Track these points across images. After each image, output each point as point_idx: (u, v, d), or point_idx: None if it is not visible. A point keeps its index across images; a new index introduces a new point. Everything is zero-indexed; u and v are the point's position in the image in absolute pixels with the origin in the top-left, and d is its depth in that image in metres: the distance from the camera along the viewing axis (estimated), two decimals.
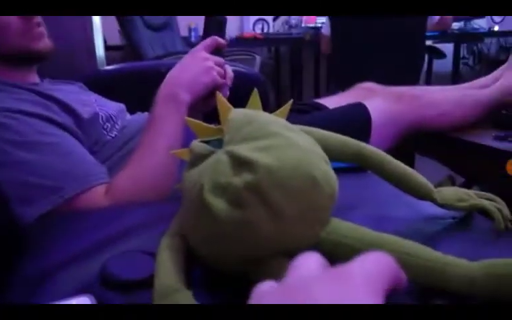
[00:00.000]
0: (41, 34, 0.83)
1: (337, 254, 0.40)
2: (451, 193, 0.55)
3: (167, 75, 0.79)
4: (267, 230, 0.39)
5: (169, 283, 0.40)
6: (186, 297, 0.39)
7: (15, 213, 0.67)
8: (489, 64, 3.50)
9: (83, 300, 0.43)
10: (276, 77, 3.60)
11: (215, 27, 0.86)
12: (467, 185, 1.53)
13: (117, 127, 0.87)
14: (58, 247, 0.56)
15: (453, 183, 1.65)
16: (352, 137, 0.56)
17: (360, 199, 0.63)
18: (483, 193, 0.57)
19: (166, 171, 0.73)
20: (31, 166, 0.68)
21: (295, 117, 1.02)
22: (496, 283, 0.38)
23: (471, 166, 1.15)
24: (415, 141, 1.19)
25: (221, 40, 0.83)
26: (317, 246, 0.42)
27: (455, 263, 0.40)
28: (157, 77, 1.18)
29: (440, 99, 1.14)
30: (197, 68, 0.79)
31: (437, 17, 2.57)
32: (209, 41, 0.82)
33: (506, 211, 0.54)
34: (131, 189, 0.71)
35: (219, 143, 0.46)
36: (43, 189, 0.68)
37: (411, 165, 1.41)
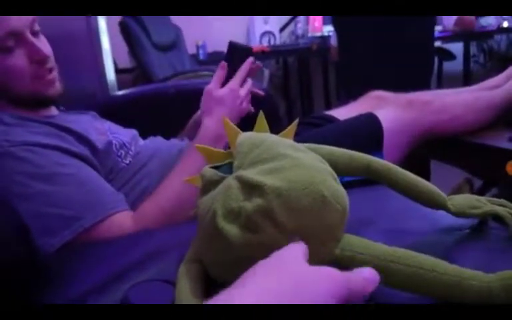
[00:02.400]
0: (53, 80, 0.84)
1: (351, 269, 0.40)
2: (463, 200, 0.55)
3: (216, 110, 0.84)
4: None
5: None
6: None
7: (35, 244, 0.68)
8: (500, 60, 3.45)
9: None
10: (285, 89, 3.60)
11: (239, 55, 0.89)
12: (484, 188, 1.51)
13: (130, 153, 0.88)
14: (76, 279, 0.57)
15: (471, 186, 1.63)
16: (364, 148, 0.56)
17: (374, 214, 0.63)
18: (496, 199, 0.57)
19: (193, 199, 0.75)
20: (49, 197, 0.70)
21: (305, 130, 1.03)
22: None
23: (487, 169, 1.13)
24: (429, 147, 1.18)
25: (252, 68, 0.89)
26: (332, 263, 0.43)
27: (471, 275, 0.40)
28: (165, 100, 1.20)
29: (452, 103, 1.12)
30: (236, 108, 0.86)
31: (455, 18, 2.54)
32: (241, 74, 0.87)
33: None
34: (158, 215, 0.73)
35: (229, 168, 0.48)
36: (62, 219, 0.69)
37: (427, 171, 1.41)
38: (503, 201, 0.56)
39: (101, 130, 0.87)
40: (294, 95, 3.64)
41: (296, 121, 0.54)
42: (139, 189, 0.80)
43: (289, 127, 0.53)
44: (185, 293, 0.43)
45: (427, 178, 0.54)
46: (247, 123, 0.52)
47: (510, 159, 1.00)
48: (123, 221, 0.72)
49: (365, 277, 0.36)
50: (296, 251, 0.37)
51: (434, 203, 0.53)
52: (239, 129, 0.50)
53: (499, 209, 0.54)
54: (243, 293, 0.31)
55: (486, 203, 0.55)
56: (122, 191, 0.80)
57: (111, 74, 1.49)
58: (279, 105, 3.38)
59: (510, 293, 0.38)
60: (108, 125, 0.93)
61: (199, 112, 0.99)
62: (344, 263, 0.43)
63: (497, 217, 0.54)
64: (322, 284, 0.32)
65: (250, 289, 0.31)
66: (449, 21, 2.55)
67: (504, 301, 0.38)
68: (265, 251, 0.40)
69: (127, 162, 0.86)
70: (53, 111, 0.89)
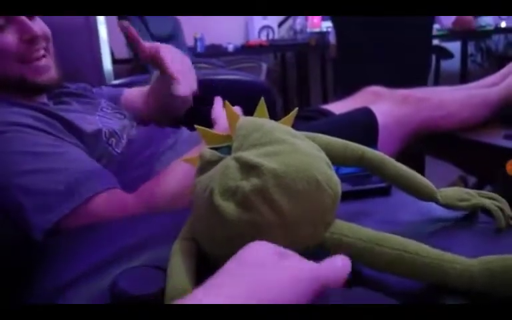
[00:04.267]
0: (46, 67, 0.82)
1: (340, 252, 0.41)
2: (452, 193, 0.57)
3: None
4: (273, 230, 0.42)
5: (179, 285, 0.43)
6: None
7: (30, 223, 0.68)
8: (498, 60, 3.46)
9: None
10: (283, 83, 3.60)
11: None
12: (478, 185, 1.51)
13: (122, 142, 0.88)
14: (69, 263, 0.57)
15: (465, 183, 1.64)
16: (359, 141, 0.57)
17: (371, 207, 0.65)
18: (485, 192, 0.59)
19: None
20: (43, 173, 0.69)
21: (301, 123, 1.03)
22: (493, 279, 0.40)
23: (481, 166, 1.14)
24: (425, 143, 1.18)
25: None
26: (321, 244, 0.45)
27: (453, 259, 0.42)
28: None
29: (448, 100, 1.13)
30: None
31: (453, 17, 2.55)
32: None
33: (507, 209, 0.56)
34: (160, 194, 0.72)
35: (227, 150, 0.49)
36: (58, 194, 0.68)
37: (421, 167, 1.41)
38: (492, 194, 0.58)
39: (91, 120, 0.87)
40: (291, 90, 3.64)
41: (295, 110, 0.55)
42: (131, 178, 0.80)
43: (288, 115, 0.54)
44: (176, 270, 0.44)
45: (421, 174, 0.56)
46: (246, 113, 0.53)
47: (505, 157, 1.00)
48: (121, 195, 0.72)
49: (335, 266, 0.36)
50: (263, 252, 0.37)
51: (424, 195, 0.55)
52: (238, 113, 0.51)
53: (487, 202, 0.56)
54: (209, 294, 0.32)
55: (475, 196, 0.57)
56: (117, 180, 0.79)
57: (108, 64, 1.48)
58: (276, 99, 3.39)
59: (490, 277, 0.40)
60: (98, 113, 0.91)
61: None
62: (331, 246, 0.45)
63: (486, 210, 0.56)
64: (287, 285, 0.33)
65: (217, 291, 0.32)
66: (447, 20, 2.55)
67: (484, 285, 0.40)
68: (257, 230, 0.42)
69: (119, 151, 0.85)
70: (44, 98, 0.88)
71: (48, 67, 0.82)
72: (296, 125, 0.54)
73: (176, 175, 0.75)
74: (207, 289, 0.33)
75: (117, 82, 1.32)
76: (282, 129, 0.49)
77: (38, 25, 0.81)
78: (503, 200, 0.57)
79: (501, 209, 0.55)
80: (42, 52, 0.81)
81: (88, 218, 0.68)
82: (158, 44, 0.90)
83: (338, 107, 1.16)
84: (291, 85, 3.64)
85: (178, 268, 0.45)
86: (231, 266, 0.35)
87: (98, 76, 1.39)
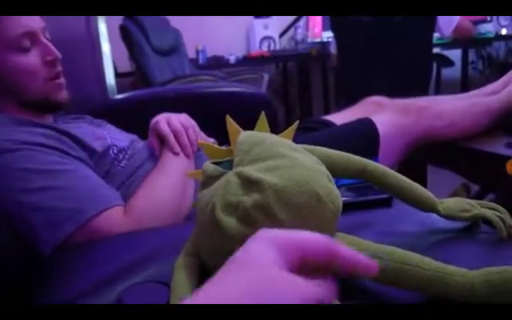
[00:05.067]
0: (62, 85, 0.87)
1: None
2: (453, 203, 0.57)
3: None
4: None
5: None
6: None
7: (39, 239, 0.70)
8: (499, 67, 3.46)
9: None
10: (284, 94, 3.61)
11: None
12: (481, 193, 1.51)
13: (126, 157, 0.89)
14: (69, 280, 0.57)
15: (468, 192, 1.63)
16: (360, 152, 0.57)
17: (372, 219, 0.65)
18: (486, 202, 0.59)
19: (181, 191, 0.79)
20: (50, 191, 0.72)
21: (303, 135, 1.03)
22: (493, 290, 0.40)
23: (484, 174, 1.14)
24: (426, 152, 1.18)
25: None
26: None
27: (454, 271, 0.42)
28: (164, 103, 1.20)
29: (449, 109, 1.13)
30: None
31: (453, 26, 2.54)
32: None
33: (509, 219, 0.56)
34: (148, 207, 0.75)
35: (229, 164, 0.50)
36: (63, 212, 0.70)
37: (423, 176, 1.41)
38: (494, 204, 0.58)
39: (99, 135, 0.89)
40: (293, 100, 3.65)
41: (296, 123, 0.56)
42: (133, 189, 0.81)
43: (289, 128, 0.55)
44: (180, 284, 0.45)
45: (423, 183, 0.56)
46: (247, 125, 0.54)
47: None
48: (119, 214, 0.74)
49: (326, 285, 0.34)
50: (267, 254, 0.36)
51: (425, 206, 0.55)
52: (240, 128, 0.52)
53: (488, 213, 0.56)
54: (209, 293, 0.32)
55: (476, 206, 0.57)
56: (118, 192, 0.80)
57: (110, 78, 1.49)
58: (278, 109, 3.40)
59: (490, 288, 0.40)
60: (107, 130, 0.93)
61: None
62: None
63: (487, 220, 0.56)
64: (288, 288, 0.32)
65: (220, 289, 0.32)
66: (447, 29, 2.55)
67: (485, 296, 0.40)
68: None
69: (123, 165, 0.87)
70: (51, 118, 0.91)
71: (63, 85, 0.87)
72: (297, 137, 0.54)
73: (162, 185, 0.79)
74: (206, 289, 0.32)
75: (118, 97, 1.33)
76: (282, 143, 0.50)
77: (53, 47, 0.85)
78: (504, 210, 0.57)
79: (502, 220, 0.55)
80: (59, 70, 0.86)
81: (91, 235, 0.70)
82: None
83: (339, 118, 1.16)
84: (293, 94, 3.65)
85: (182, 282, 0.46)
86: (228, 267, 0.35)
87: (101, 90, 1.40)
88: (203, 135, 0.92)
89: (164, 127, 0.87)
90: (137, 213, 0.74)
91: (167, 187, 0.80)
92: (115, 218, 0.72)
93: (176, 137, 0.87)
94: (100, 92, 1.46)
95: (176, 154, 0.85)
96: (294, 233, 0.35)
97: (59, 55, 0.85)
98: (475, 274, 0.41)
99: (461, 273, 0.42)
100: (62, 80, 0.87)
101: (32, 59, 0.81)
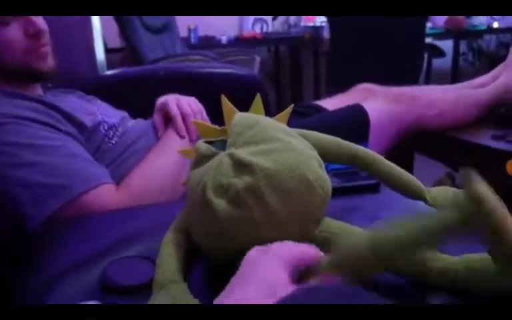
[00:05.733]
0: (45, 54, 0.84)
1: (328, 249, 0.42)
2: (441, 193, 0.57)
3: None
4: (263, 228, 0.43)
5: (168, 275, 0.44)
6: (180, 289, 0.42)
7: (26, 215, 0.69)
8: (489, 60, 3.49)
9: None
10: (276, 77, 3.60)
11: None
12: None
13: (117, 134, 0.88)
14: (61, 254, 0.57)
15: (453, 180, 1.65)
16: (350, 138, 0.58)
17: (360, 204, 0.66)
18: None
19: (180, 173, 0.78)
20: (38, 167, 0.71)
21: (294, 119, 1.03)
22: (473, 276, 0.41)
23: (469, 165, 1.15)
24: (414, 140, 1.20)
25: None
26: (310, 242, 0.45)
27: (436, 257, 0.43)
28: (154, 81, 1.19)
29: (439, 99, 1.14)
30: None
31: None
32: None
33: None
34: (145, 186, 0.76)
35: (222, 144, 0.50)
36: (51, 188, 0.70)
37: (410, 164, 1.42)
38: None
39: (89, 110, 0.88)
40: (284, 83, 3.64)
41: (291, 107, 0.56)
42: (124, 167, 0.81)
43: (283, 112, 0.55)
44: (166, 260, 0.46)
45: (410, 170, 0.57)
46: (238, 106, 0.54)
47: (492, 158, 1.02)
48: (110, 192, 0.74)
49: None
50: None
51: (413, 193, 0.56)
52: (235, 108, 0.52)
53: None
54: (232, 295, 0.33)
55: (461, 195, 0.57)
56: (108, 170, 0.80)
57: (100, 53, 1.47)
58: (269, 93, 3.38)
59: (472, 273, 0.42)
60: (97, 106, 0.92)
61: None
62: (320, 243, 0.45)
63: None
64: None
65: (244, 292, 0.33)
66: (439, 19, 2.56)
67: (467, 280, 0.42)
68: (248, 227, 0.43)
69: (114, 142, 0.86)
70: (39, 90, 0.89)
71: (47, 54, 0.85)
72: (290, 120, 0.54)
73: (159, 161, 0.79)
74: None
75: (109, 73, 1.31)
76: (276, 126, 0.50)
77: (39, 19, 0.83)
78: None
79: None
80: (44, 43, 0.84)
81: (79, 212, 0.70)
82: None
83: (330, 103, 1.17)
84: (284, 78, 3.64)
85: (167, 258, 0.46)
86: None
87: (91, 65, 1.38)
88: (208, 120, 0.91)
89: (173, 108, 0.87)
90: (133, 190, 0.74)
91: (166, 167, 0.80)
92: (104, 195, 0.72)
93: (184, 119, 0.87)
94: (90, 67, 1.43)
95: (182, 137, 0.85)
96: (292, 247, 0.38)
97: (44, 27, 0.83)
98: (457, 260, 0.43)
99: (442, 258, 0.43)
100: (45, 49, 0.84)
101: (12, 31, 0.79)
